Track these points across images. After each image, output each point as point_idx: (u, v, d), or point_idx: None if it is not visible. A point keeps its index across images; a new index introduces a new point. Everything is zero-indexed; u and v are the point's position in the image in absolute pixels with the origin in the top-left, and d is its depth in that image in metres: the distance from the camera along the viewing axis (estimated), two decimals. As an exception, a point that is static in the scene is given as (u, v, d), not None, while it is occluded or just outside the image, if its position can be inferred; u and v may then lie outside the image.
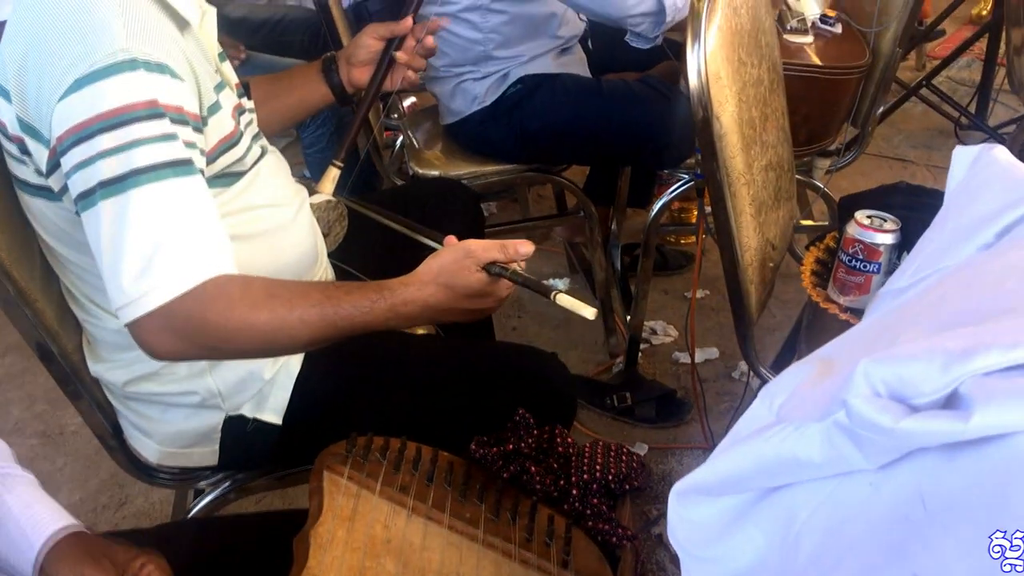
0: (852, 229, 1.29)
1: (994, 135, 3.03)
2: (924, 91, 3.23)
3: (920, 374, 0.49)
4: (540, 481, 0.98)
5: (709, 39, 1.15)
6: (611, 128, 1.85)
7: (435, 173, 1.98)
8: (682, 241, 2.70)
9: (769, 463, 0.59)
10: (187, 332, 0.95)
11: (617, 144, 1.90)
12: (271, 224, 1.14)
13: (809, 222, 2.22)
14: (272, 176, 1.17)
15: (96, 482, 1.92)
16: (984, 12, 4.17)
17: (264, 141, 1.22)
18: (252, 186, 1.12)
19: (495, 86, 1.89)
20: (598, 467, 1.00)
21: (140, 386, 1.13)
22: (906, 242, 1.28)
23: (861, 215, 1.29)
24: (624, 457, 1.03)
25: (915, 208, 1.30)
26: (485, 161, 1.98)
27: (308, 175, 2.61)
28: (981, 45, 3.28)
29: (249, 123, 1.17)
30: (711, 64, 1.15)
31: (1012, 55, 2.16)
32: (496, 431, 1.07)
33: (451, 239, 1.10)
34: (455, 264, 1.02)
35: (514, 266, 1.05)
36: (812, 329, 1.40)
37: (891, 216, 1.29)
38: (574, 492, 0.98)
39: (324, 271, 1.28)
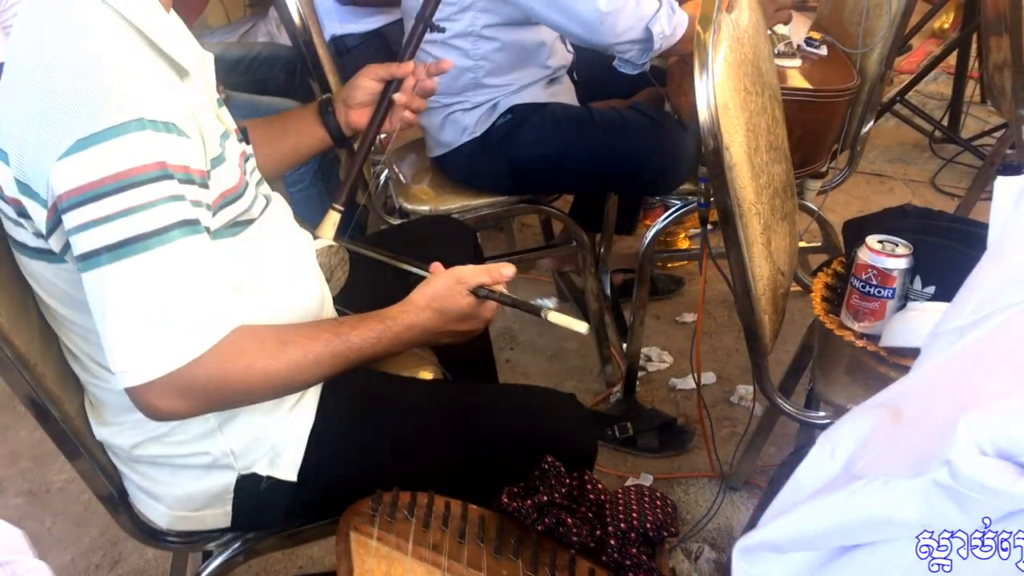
0: (864, 255, 1.27)
1: (969, 148, 3.07)
2: (896, 105, 3.27)
3: (1030, 431, 0.47)
4: (577, 532, 0.94)
5: (716, 70, 1.14)
6: (605, 157, 1.83)
7: (425, 208, 1.95)
8: (669, 265, 2.69)
9: (854, 521, 0.57)
10: (205, 391, 0.94)
11: (612, 172, 1.88)
12: (280, 273, 1.11)
13: (802, 243, 2.21)
14: (278, 225, 1.14)
15: (87, 540, 1.85)
16: (946, 25, 4.24)
17: (266, 188, 1.19)
18: (259, 235, 1.08)
19: (485, 116, 1.86)
20: (634, 514, 0.97)
21: (148, 448, 1.08)
22: (919, 266, 1.27)
23: (872, 240, 1.28)
24: (659, 502, 1.00)
25: (925, 231, 1.30)
26: (476, 194, 1.95)
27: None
28: (948, 57, 3.33)
29: (253, 170, 1.14)
30: (720, 95, 1.14)
31: (991, 69, 2.17)
32: (519, 479, 1.04)
33: (436, 266, 1.18)
34: (447, 290, 1.10)
35: (500, 288, 1.13)
36: (825, 355, 1.38)
37: (902, 240, 1.28)
38: (612, 542, 0.95)
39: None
